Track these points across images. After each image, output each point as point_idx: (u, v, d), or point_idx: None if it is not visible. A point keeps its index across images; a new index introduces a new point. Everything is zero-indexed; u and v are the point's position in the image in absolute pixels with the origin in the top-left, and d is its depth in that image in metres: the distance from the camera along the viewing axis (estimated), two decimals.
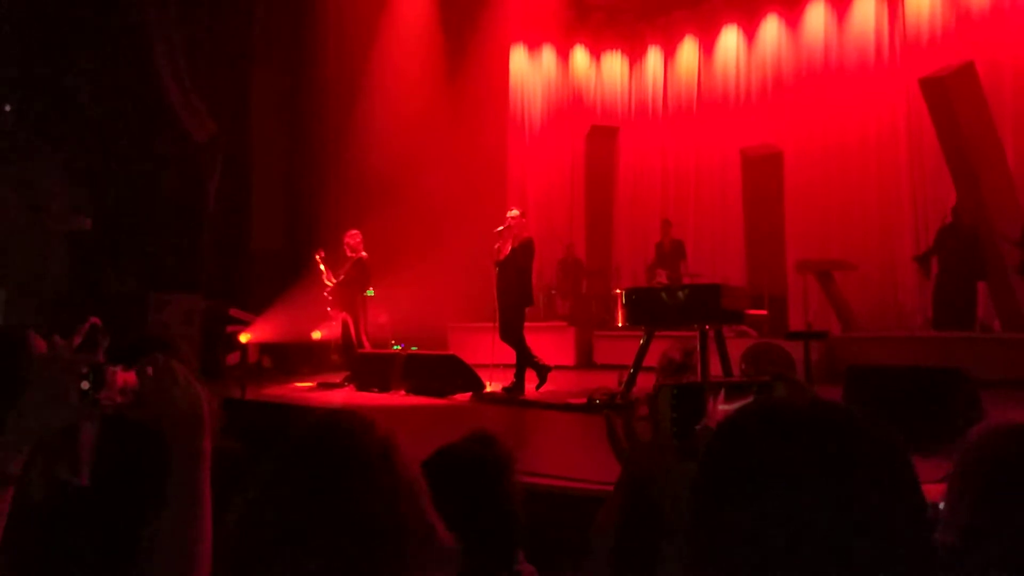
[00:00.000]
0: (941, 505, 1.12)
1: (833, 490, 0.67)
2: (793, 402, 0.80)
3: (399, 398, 7.31)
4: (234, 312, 9.57)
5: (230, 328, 9.45)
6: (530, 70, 13.04)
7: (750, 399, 1.24)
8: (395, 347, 9.52)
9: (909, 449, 0.73)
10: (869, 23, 10.70)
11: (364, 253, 8.30)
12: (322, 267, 8.34)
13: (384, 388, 7.59)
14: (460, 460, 2.05)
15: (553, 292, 11.63)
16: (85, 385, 1.09)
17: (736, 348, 7.31)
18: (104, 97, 8.69)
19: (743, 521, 0.68)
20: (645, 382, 5.33)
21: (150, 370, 1.16)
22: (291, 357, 9.79)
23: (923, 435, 3.29)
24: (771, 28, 11.64)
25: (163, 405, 1.15)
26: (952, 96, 8.54)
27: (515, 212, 7.47)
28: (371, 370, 7.90)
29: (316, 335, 9.72)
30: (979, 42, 9.43)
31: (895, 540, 0.67)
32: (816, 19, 11.17)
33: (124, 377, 1.14)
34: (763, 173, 10.69)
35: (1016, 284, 8.29)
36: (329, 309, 8.48)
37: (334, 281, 8.25)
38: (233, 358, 9.37)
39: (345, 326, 8.29)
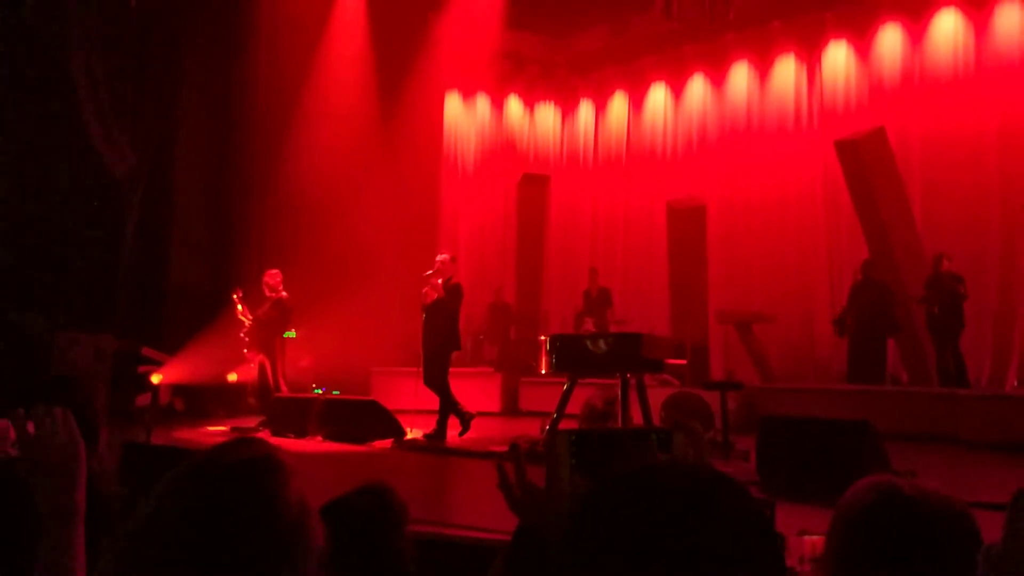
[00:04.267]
0: None
1: (692, 564, 0.66)
2: (667, 467, 0.77)
3: (315, 444, 7.06)
4: (147, 351, 9.16)
5: (142, 368, 9.03)
6: (464, 116, 13.17)
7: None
8: (316, 391, 9.25)
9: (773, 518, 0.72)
10: (789, 87, 11.24)
11: (284, 293, 8.09)
12: (239, 306, 8.09)
13: (300, 434, 7.33)
14: (351, 514, 1.95)
15: (481, 337, 11.56)
16: None
17: (659, 397, 7.39)
18: (17, 125, 8.32)
19: None
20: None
21: (30, 425, 1.06)
22: (205, 400, 9.39)
23: (830, 485, 3.34)
24: (697, 87, 12.10)
25: (37, 459, 1.05)
26: (864, 158, 9.00)
27: (444, 256, 7.47)
28: (287, 415, 7.63)
29: (232, 377, 9.37)
30: (890, 109, 10.01)
31: None
32: (739, 81, 11.67)
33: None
34: (687, 225, 10.98)
35: (923, 339, 8.66)
36: (246, 351, 8.20)
37: (250, 318, 8.00)
38: (144, 399, 8.92)
39: (262, 368, 8.01)
